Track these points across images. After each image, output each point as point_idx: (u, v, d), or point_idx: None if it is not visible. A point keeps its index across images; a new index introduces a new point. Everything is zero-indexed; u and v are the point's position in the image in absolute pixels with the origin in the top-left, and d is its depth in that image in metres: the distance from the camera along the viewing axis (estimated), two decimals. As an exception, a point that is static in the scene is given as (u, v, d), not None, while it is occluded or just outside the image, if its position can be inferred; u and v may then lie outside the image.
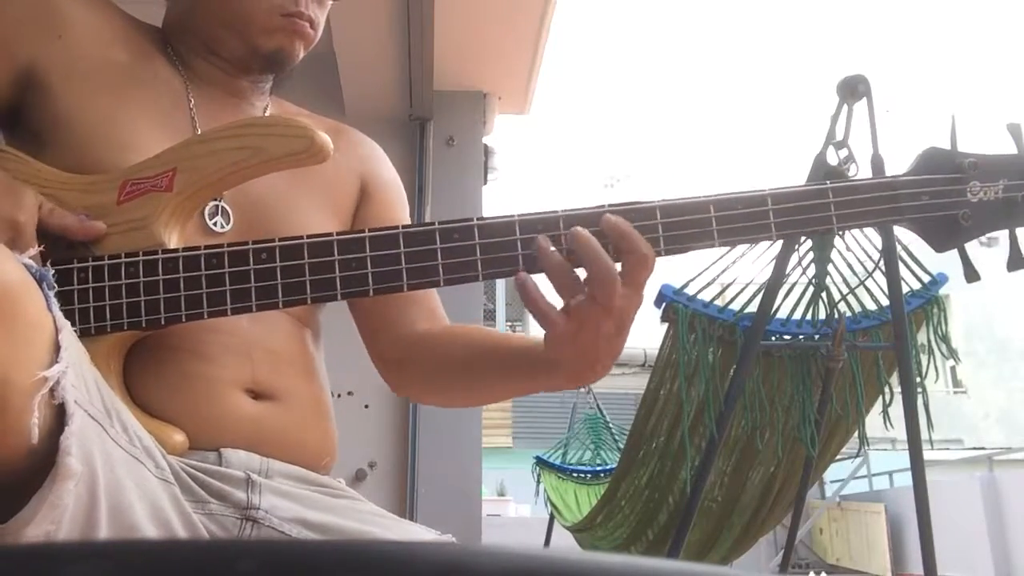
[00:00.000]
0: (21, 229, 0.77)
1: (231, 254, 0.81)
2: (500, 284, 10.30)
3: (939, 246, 0.89)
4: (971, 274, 0.91)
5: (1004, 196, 0.88)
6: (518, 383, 0.93)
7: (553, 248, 0.79)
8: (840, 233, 2.26)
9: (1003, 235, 0.92)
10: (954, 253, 0.92)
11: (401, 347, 1.01)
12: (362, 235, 0.82)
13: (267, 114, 1.03)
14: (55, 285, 0.66)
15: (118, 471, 0.68)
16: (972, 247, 0.92)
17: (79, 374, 0.65)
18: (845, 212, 0.86)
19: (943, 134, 0.92)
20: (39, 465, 0.61)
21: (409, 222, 1.08)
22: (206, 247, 0.82)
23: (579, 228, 0.79)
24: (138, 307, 0.80)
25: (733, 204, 0.84)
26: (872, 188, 0.87)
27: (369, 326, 1.04)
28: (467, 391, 1.02)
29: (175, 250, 0.82)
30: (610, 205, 0.83)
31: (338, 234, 0.82)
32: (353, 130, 1.10)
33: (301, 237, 0.82)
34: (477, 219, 0.82)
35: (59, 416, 0.62)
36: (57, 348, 0.62)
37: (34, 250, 0.73)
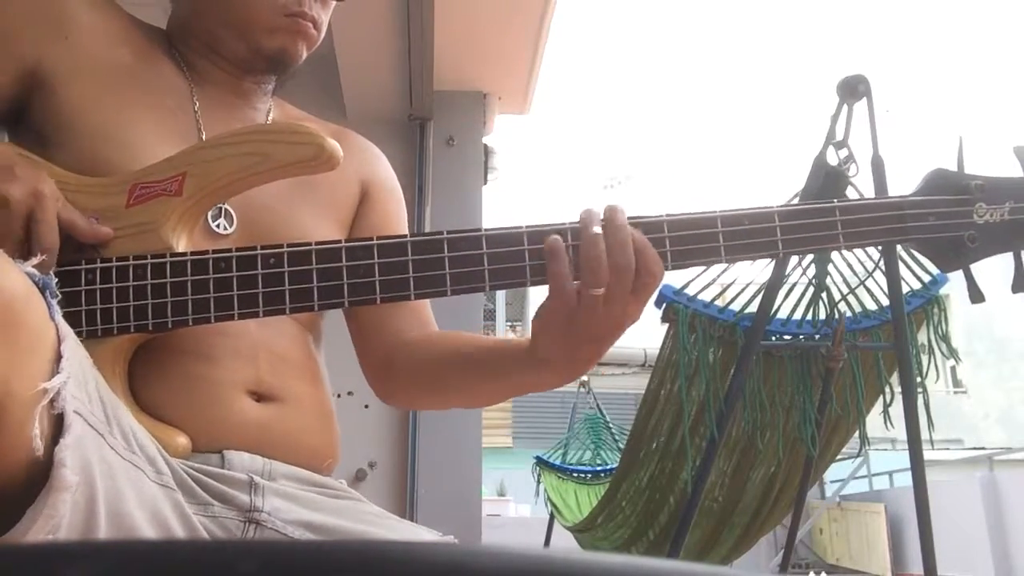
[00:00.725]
0: (44, 201, 0.77)
1: (239, 259, 0.81)
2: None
3: (945, 266, 0.90)
4: (976, 295, 0.92)
5: (1010, 219, 0.89)
6: (500, 383, 0.93)
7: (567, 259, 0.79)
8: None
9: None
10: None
11: (386, 352, 1.01)
12: (370, 243, 0.82)
13: (270, 117, 1.03)
14: (58, 293, 0.66)
15: (117, 479, 0.68)
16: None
17: (80, 383, 0.65)
18: (851, 231, 0.86)
19: (944, 135, 0.93)
20: (37, 476, 0.61)
21: (406, 224, 1.08)
22: (214, 251, 0.82)
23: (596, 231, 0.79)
24: (145, 310, 0.80)
25: (740, 220, 0.84)
26: (879, 208, 0.88)
27: (358, 331, 1.04)
28: (449, 393, 1.02)
29: (183, 254, 0.82)
30: None
31: (346, 241, 0.82)
32: (355, 134, 1.11)
33: (309, 243, 0.82)
34: (485, 229, 0.82)
35: (58, 426, 0.62)
36: (59, 358, 0.62)
37: (37, 259, 0.73)
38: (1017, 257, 0.91)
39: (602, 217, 0.80)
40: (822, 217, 0.86)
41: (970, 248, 0.88)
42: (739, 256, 0.84)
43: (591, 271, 0.78)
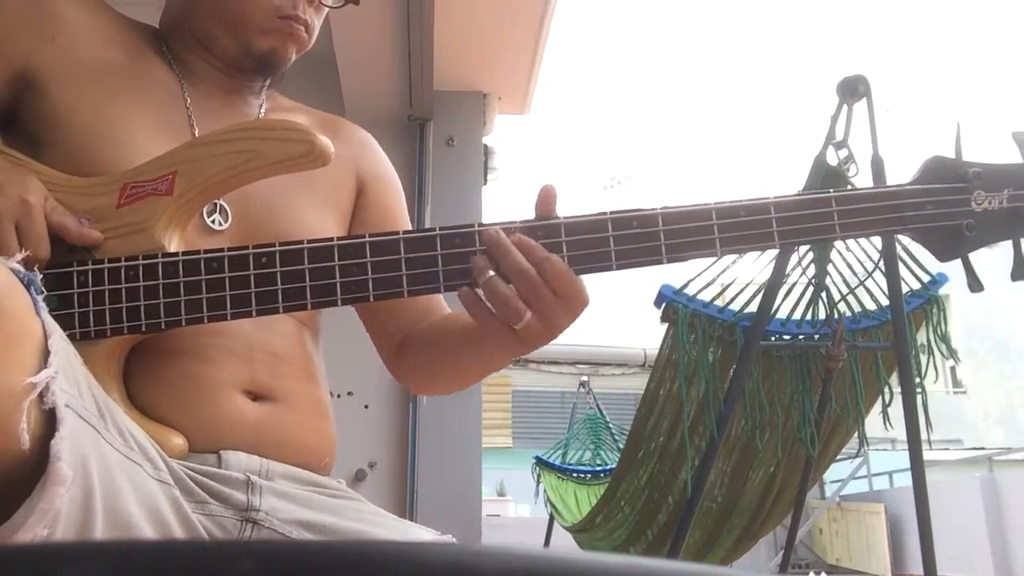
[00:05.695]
0: (31, 210, 0.77)
1: (231, 259, 0.81)
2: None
3: (943, 256, 0.89)
4: (975, 284, 0.91)
5: (1008, 206, 0.87)
6: (479, 354, 0.92)
7: (492, 273, 0.78)
8: (840, 233, 2.26)
9: (1004, 236, 0.92)
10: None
11: (398, 343, 1.03)
12: (362, 240, 0.82)
13: (263, 111, 1.03)
14: (43, 290, 0.65)
15: (114, 474, 0.67)
16: (973, 248, 0.91)
17: (70, 378, 0.64)
18: (848, 221, 0.85)
19: (943, 135, 0.92)
20: (31, 470, 0.60)
21: (406, 215, 1.08)
22: (206, 251, 0.82)
23: (504, 241, 0.78)
24: (138, 311, 0.80)
25: (735, 212, 0.83)
26: (875, 197, 0.87)
27: (369, 324, 1.06)
28: (449, 373, 1.01)
29: (175, 254, 0.81)
30: (612, 212, 0.82)
31: (338, 239, 0.82)
32: (348, 123, 1.10)
33: (301, 242, 0.82)
34: (479, 225, 0.82)
35: (50, 421, 0.61)
36: (46, 353, 0.62)
37: (20, 255, 0.72)
38: (1016, 245, 0.90)
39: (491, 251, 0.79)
40: (818, 208, 0.85)
41: (968, 237, 0.87)
42: (735, 248, 0.83)
43: (505, 313, 0.78)
